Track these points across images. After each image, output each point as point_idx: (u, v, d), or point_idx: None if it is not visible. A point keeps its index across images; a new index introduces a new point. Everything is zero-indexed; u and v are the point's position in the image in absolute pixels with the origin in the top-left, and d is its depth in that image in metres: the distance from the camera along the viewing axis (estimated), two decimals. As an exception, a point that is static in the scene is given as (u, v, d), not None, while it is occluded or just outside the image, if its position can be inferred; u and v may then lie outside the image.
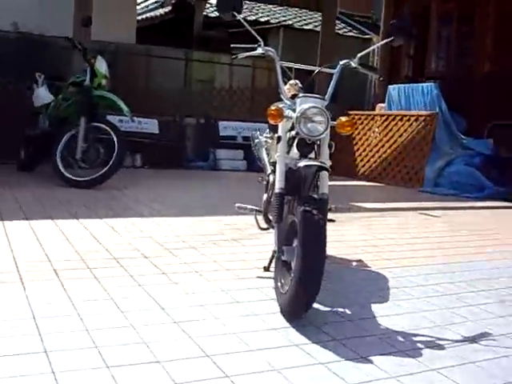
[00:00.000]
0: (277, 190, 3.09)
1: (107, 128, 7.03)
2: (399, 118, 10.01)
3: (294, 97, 3.25)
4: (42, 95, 7.95)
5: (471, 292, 3.62)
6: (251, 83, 12.25)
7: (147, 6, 18.25)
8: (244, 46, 3.34)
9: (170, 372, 2.22)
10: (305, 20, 16.59)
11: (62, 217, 5.03)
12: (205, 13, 15.89)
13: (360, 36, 16.08)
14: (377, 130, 10.45)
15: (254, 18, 15.64)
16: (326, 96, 3.16)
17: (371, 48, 3.55)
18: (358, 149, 10.81)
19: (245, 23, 3.29)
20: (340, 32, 15.22)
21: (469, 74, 11.01)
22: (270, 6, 16.78)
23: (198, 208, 6.08)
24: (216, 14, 15.79)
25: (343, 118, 3.08)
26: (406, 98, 10.18)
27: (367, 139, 10.67)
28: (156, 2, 18.25)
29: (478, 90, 9.96)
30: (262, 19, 15.73)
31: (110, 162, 6.86)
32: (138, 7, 14.45)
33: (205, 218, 5.53)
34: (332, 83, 3.27)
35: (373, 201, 7.75)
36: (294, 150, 3.06)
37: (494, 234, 5.76)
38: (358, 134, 10.81)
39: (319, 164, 2.92)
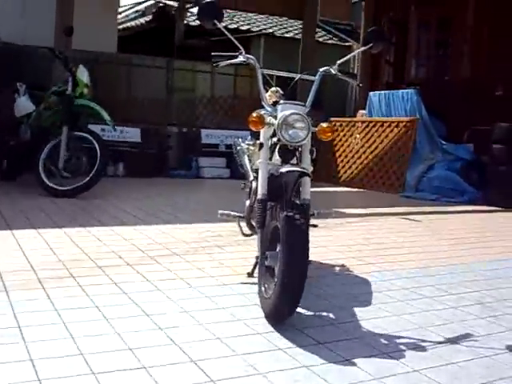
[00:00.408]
0: (259, 196, 3.12)
1: (89, 137, 7.03)
2: (380, 124, 10.09)
3: (275, 104, 3.29)
4: (24, 105, 7.92)
5: (452, 295, 3.66)
6: (233, 91, 12.29)
7: (127, 16, 18.26)
8: (225, 54, 3.37)
9: (155, 378, 2.23)
10: (285, 28, 16.68)
11: (45, 226, 5.03)
12: (186, 21, 15.92)
13: (340, 43, 16.19)
14: (358, 136, 10.53)
15: (235, 26, 15.70)
16: (307, 103, 3.20)
17: (351, 55, 3.60)
18: (340, 155, 10.88)
19: (225, 31, 3.32)
20: (320, 39, 15.33)
21: (448, 79, 11.14)
22: (251, 14, 16.84)
23: (182, 216, 6.10)
24: (197, 22, 15.83)
25: (324, 124, 3.12)
26: (386, 105, 10.27)
27: (349, 145, 10.74)
28: (137, 12, 18.28)
29: (457, 96, 10.07)
30: (243, 27, 15.79)
31: (93, 171, 6.86)
32: (118, 16, 14.44)
33: (188, 225, 5.55)
34: (312, 90, 3.31)
35: (355, 206, 7.80)
36: (276, 157, 3.09)
37: (475, 238, 5.82)
38: (340, 140, 10.88)
39: (301, 170, 2.96)
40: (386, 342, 2.79)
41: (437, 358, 2.61)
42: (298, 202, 3.02)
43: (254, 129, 3.12)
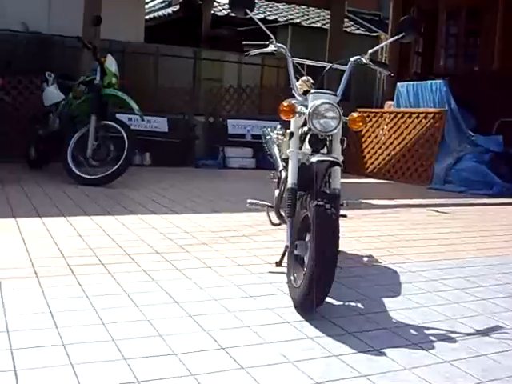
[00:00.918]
0: (289, 185, 3.12)
1: (117, 126, 7.07)
2: (408, 115, 10.00)
3: (306, 93, 3.27)
4: (52, 94, 7.99)
5: (482, 286, 3.63)
6: (260, 81, 12.29)
7: (154, 6, 18.29)
8: (256, 43, 3.37)
9: (186, 364, 2.25)
10: (313, 18, 16.60)
11: (73, 213, 5.07)
12: (212, 11, 15.91)
13: (368, 34, 16.08)
14: (385, 127, 10.46)
15: (261, 16, 15.65)
16: (338, 92, 3.18)
17: (382, 44, 3.58)
18: (367, 146, 10.82)
19: (257, 20, 3.32)
20: (348, 30, 15.23)
21: (477, 70, 11.02)
22: (278, 4, 16.77)
23: (209, 205, 6.11)
24: (224, 12, 15.86)
25: (355, 114, 3.11)
26: (414, 96, 10.17)
27: (376, 137, 10.67)
28: (163, 2, 18.30)
29: (486, 87, 9.94)
30: (270, 17, 15.75)
31: (120, 160, 6.90)
32: (145, 6, 14.46)
33: (215, 214, 5.57)
34: (343, 79, 3.29)
35: (382, 198, 7.76)
36: (307, 146, 3.08)
37: (504, 231, 5.77)
38: (367, 131, 10.81)
39: (331, 159, 2.95)
40: (415, 332, 2.78)
41: (467, 349, 2.60)
42: (328, 191, 3.01)
43: (284, 118, 3.11)
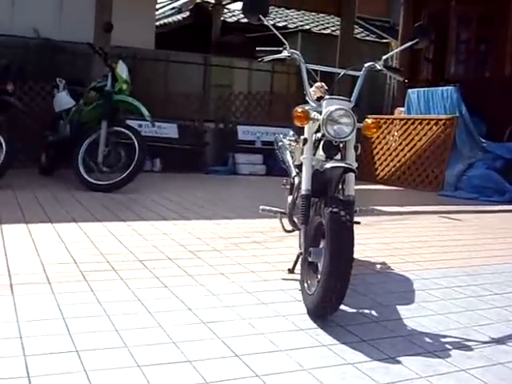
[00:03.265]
0: (303, 192, 3.10)
1: (128, 132, 7.08)
2: (419, 121, 9.97)
3: (319, 99, 3.26)
4: (63, 100, 8.02)
5: (497, 294, 3.60)
6: (270, 88, 12.28)
7: (164, 12, 18.33)
8: (269, 50, 3.35)
9: (200, 371, 2.23)
10: (322, 24, 16.59)
11: (84, 219, 5.07)
12: (223, 18, 15.94)
13: (378, 40, 16.06)
14: (396, 133, 10.43)
15: (271, 22, 15.63)
16: (352, 98, 3.17)
17: (396, 50, 3.57)
18: (378, 153, 10.79)
19: (271, 26, 3.31)
20: (358, 36, 15.21)
21: (489, 77, 10.99)
22: (288, 11, 16.79)
23: (220, 211, 6.10)
24: (234, 18, 15.89)
25: (369, 120, 3.09)
26: (425, 102, 10.14)
27: (386, 143, 10.64)
28: (173, 8, 18.34)
29: (498, 93, 9.91)
30: (280, 24, 15.75)
31: (131, 166, 6.90)
32: (156, 13, 14.50)
33: (227, 220, 5.55)
34: (357, 85, 3.27)
35: (394, 204, 7.72)
36: (320, 152, 3.07)
37: (517, 238, 5.73)
38: (378, 138, 10.78)
39: (346, 166, 2.93)
40: (430, 340, 2.75)
41: (483, 358, 2.57)
42: (342, 198, 2.99)
43: (298, 124, 3.09)
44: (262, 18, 3.28)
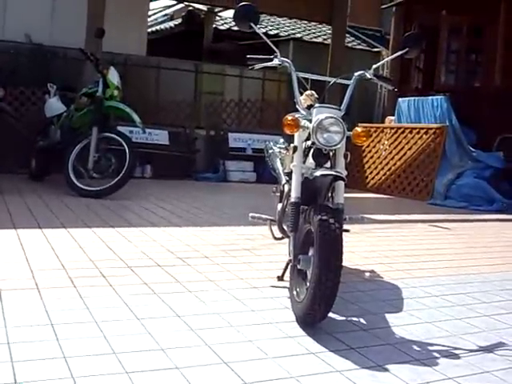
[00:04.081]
0: (292, 199, 3.11)
1: (119, 138, 7.07)
2: (409, 130, 10.01)
3: (309, 107, 3.27)
4: (54, 106, 8.01)
5: (485, 303, 3.62)
6: (261, 95, 12.31)
7: (156, 19, 18.35)
8: (260, 57, 3.37)
9: (188, 378, 2.23)
10: (314, 33, 16.64)
11: (74, 225, 5.06)
12: (214, 25, 15.97)
13: (369, 49, 16.12)
14: (386, 142, 10.47)
15: (263, 30, 15.66)
16: (342, 106, 3.18)
17: (386, 59, 3.58)
18: (368, 161, 10.83)
19: (261, 34, 3.32)
20: (349, 45, 15.26)
21: (479, 86, 11.06)
22: (279, 19, 16.82)
23: (210, 218, 6.10)
24: (226, 26, 15.92)
25: (359, 129, 3.10)
26: (415, 111, 10.19)
27: (377, 152, 10.68)
28: (165, 15, 18.36)
29: (487, 103, 9.98)
30: (272, 32, 15.79)
31: (122, 173, 6.89)
32: (148, 19, 14.51)
33: (216, 228, 5.55)
34: (347, 94, 3.29)
35: (383, 213, 7.75)
36: (310, 160, 3.08)
37: (505, 246, 5.76)
38: (368, 146, 10.82)
39: (335, 173, 2.94)
40: (418, 348, 2.76)
41: (471, 366, 2.58)
42: (331, 206, 3.00)
43: (288, 132, 3.10)
44: (253, 25, 3.30)
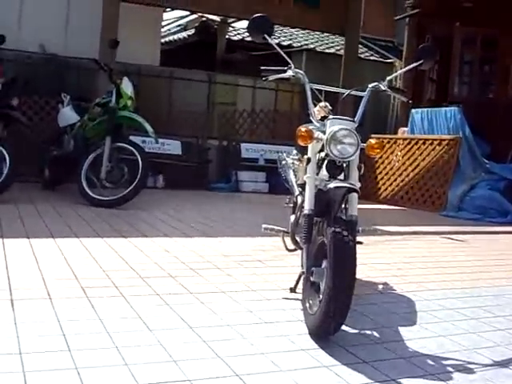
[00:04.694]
0: (306, 211, 3.10)
1: (132, 148, 7.09)
2: (422, 141, 9.98)
3: (323, 119, 3.26)
4: (68, 115, 8.05)
5: (499, 316, 3.58)
6: (274, 106, 12.32)
7: (170, 30, 18.45)
8: (274, 69, 3.37)
9: (200, 391, 2.22)
10: (327, 44, 16.67)
11: (86, 235, 5.07)
12: (227, 36, 16.03)
13: (382, 60, 16.11)
14: (399, 153, 10.44)
15: (276, 41, 15.70)
16: (356, 118, 3.17)
17: (401, 71, 3.59)
18: (381, 172, 10.80)
19: (275, 46, 3.32)
20: (362, 56, 15.27)
21: (492, 98, 11.02)
22: (292, 30, 16.87)
23: (222, 229, 6.09)
24: (239, 37, 15.97)
25: (372, 141, 3.09)
26: (429, 122, 10.16)
27: (389, 163, 10.65)
28: (179, 26, 18.45)
29: (501, 115, 9.94)
30: (285, 43, 15.83)
31: (134, 183, 6.90)
32: (161, 30, 14.58)
33: (229, 238, 5.55)
34: (361, 106, 3.28)
35: (396, 224, 7.71)
36: (324, 172, 3.06)
37: (520, 259, 5.72)
38: (381, 157, 10.79)
39: (349, 186, 2.93)
40: (432, 362, 2.73)
41: (485, 381, 2.56)
42: (344, 218, 2.99)
43: (302, 143, 3.10)
44: (267, 37, 3.30)
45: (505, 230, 7.75)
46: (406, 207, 9.94)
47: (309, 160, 3.16)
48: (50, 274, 3.72)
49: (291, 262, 4.32)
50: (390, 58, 15.78)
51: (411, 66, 3.47)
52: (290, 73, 3.32)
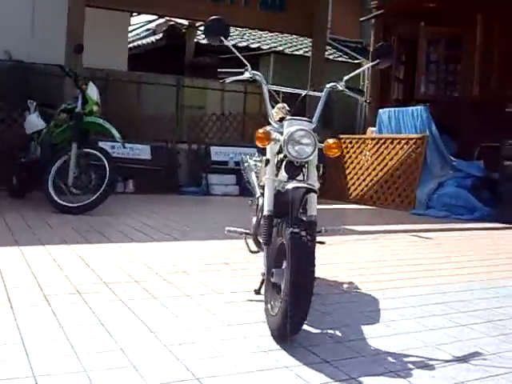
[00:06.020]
0: (265, 213, 3.10)
1: (98, 154, 7.05)
2: (390, 141, 10.06)
3: (281, 120, 3.27)
4: (34, 122, 7.98)
5: (461, 312, 3.62)
6: (243, 108, 12.33)
7: (138, 34, 18.38)
8: (231, 71, 3.37)
9: (159, 395, 2.21)
10: (295, 46, 16.70)
11: (52, 242, 5.02)
12: (196, 40, 16.00)
13: (350, 61, 16.20)
14: (368, 153, 10.50)
15: (245, 44, 15.74)
16: (313, 119, 3.18)
17: (357, 71, 3.58)
18: (350, 172, 10.85)
19: (232, 48, 3.33)
20: (330, 57, 15.33)
21: (458, 96, 11.14)
22: (261, 32, 16.88)
23: (189, 233, 6.09)
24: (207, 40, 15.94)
25: (330, 141, 3.10)
26: (396, 122, 10.24)
27: (358, 163, 10.71)
28: (147, 30, 18.38)
29: (467, 113, 10.05)
30: (253, 45, 15.84)
31: (102, 188, 6.86)
32: (129, 35, 14.53)
33: (195, 242, 5.55)
34: (319, 106, 3.29)
35: (364, 223, 7.76)
36: (283, 173, 3.07)
37: (486, 255, 5.77)
38: (350, 157, 10.86)
39: (307, 186, 2.93)
40: (393, 360, 2.75)
41: (446, 377, 2.57)
42: (304, 218, 3.00)
43: (260, 145, 3.10)
44: (224, 39, 3.30)
45: (472, 227, 7.83)
46: (375, 206, 10.01)
47: (267, 161, 3.16)
48: (13, 282, 3.67)
49: (256, 263, 4.31)
50: (359, 59, 15.88)
51: (366, 65, 3.50)
52: (247, 74, 3.33)
